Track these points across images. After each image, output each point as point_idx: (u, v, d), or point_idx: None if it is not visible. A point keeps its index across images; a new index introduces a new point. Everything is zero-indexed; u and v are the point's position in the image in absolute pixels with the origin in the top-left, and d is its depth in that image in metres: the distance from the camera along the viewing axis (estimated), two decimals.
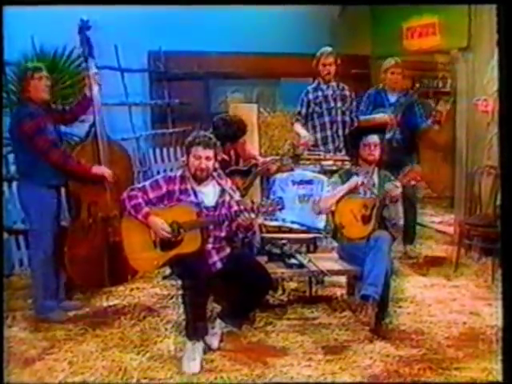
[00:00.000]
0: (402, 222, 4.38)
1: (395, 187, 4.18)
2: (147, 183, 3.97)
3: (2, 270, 3.89)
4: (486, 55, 5.70)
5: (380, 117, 5.50)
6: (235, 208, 3.90)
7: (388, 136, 5.33)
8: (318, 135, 5.55)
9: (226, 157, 4.57)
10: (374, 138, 4.32)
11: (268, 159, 4.98)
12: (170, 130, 6.88)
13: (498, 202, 5.24)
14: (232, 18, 6.75)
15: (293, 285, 4.84)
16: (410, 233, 5.78)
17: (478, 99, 5.68)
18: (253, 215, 3.84)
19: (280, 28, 7.31)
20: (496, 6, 3.39)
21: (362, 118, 5.61)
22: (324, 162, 5.22)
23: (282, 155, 5.39)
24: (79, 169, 4.35)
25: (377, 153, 4.31)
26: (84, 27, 4.59)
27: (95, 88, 4.55)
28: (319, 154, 5.35)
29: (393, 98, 5.66)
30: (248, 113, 5.62)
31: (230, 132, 4.62)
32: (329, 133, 5.53)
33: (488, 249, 5.43)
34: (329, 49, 5.52)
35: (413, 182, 4.33)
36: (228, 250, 3.99)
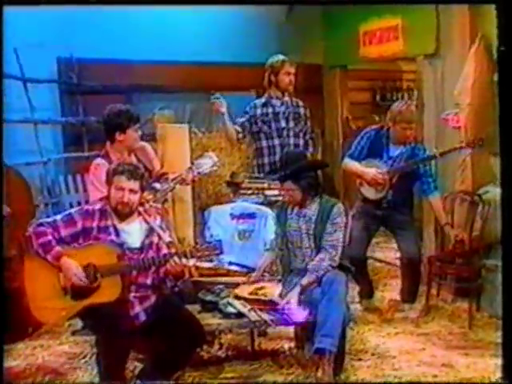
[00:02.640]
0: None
1: None
2: (59, 218, 3.95)
3: (2, 272, 3.88)
4: (456, 62, 5.85)
5: (369, 173, 5.34)
6: (164, 251, 3.94)
7: (377, 196, 5.37)
8: (266, 160, 5.61)
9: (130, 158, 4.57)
10: (287, 184, 4.40)
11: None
12: (86, 154, 6.77)
13: (475, 234, 5.33)
14: (161, 20, 6.78)
15: (231, 338, 4.83)
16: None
17: (448, 113, 5.79)
18: (185, 261, 3.86)
19: (218, 33, 7.38)
20: (495, 5, 3.62)
21: (349, 162, 5.51)
22: (268, 192, 5.26)
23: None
24: None
25: (295, 198, 4.40)
26: None
27: None
28: (263, 183, 5.39)
29: (395, 151, 5.42)
30: (179, 134, 5.61)
31: (119, 120, 4.56)
32: (278, 158, 5.48)
33: (464, 289, 5.50)
34: (283, 57, 5.62)
35: None
36: (153, 298, 3.99)
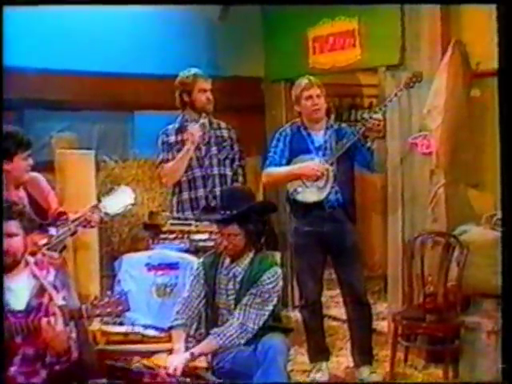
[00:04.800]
0: None
1: None
2: None
3: (2, 272, 3.78)
4: (425, 75, 5.84)
5: (307, 166, 5.34)
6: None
7: (321, 194, 5.34)
8: (185, 195, 5.60)
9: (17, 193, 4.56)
10: (231, 228, 4.37)
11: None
12: None
13: (450, 284, 5.30)
14: (63, 20, 6.64)
15: None
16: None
17: (415, 137, 5.82)
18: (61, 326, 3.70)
19: (135, 37, 7.28)
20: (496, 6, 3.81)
21: (272, 170, 5.51)
22: (195, 236, 5.26)
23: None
24: None
25: (237, 245, 4.39)
26: None
27: None
28: (189, 224, 5.36)
29: (320, 138, 5.52)
30: (83, 162, 5.53)
31: (3, 145, 4.51)
32: (201, 192, 5.58)
33: (437, 352, 5.52)
34: (195, 70, 5.66)
35: None
36: (44, 373, 3.86)
